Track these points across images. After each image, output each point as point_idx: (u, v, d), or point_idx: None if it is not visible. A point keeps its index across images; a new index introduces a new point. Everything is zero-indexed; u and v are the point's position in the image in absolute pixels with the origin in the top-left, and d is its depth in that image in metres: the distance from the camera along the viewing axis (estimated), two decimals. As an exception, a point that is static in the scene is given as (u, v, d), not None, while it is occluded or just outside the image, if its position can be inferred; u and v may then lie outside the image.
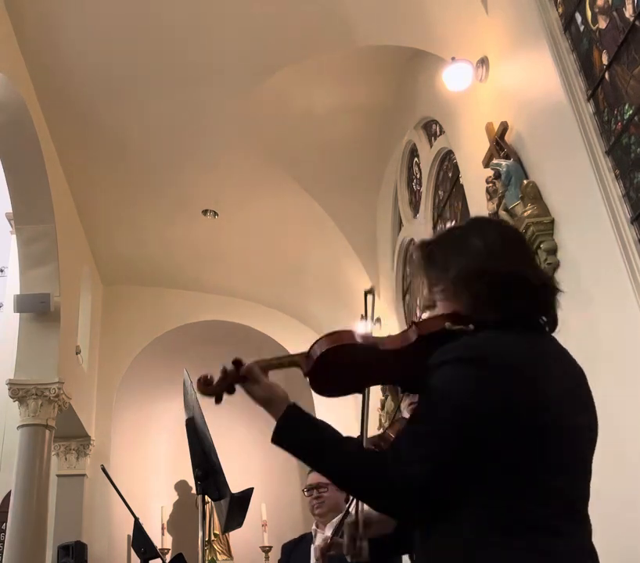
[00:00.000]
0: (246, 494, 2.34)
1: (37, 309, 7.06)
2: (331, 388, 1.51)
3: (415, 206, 7.22)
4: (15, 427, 6.99)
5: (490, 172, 4.63)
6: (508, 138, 4.59)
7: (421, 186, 6.91)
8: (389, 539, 1.99)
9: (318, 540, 3.10)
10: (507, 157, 4.52)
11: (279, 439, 1.44)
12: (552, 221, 4.05)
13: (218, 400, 1.51)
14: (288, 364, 1.52)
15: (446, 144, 6.10)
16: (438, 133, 6.44)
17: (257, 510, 8.88)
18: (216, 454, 2.20)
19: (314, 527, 3.27)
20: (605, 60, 3.77)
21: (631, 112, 3.54)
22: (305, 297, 9.50)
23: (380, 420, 7.18)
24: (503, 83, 4.75)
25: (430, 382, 1.37)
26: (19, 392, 6.93)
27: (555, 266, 3.95)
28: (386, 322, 7.51)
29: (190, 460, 2.19)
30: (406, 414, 2.70)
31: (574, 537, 1.33)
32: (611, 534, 2.55)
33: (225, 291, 9.89)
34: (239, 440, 9.49)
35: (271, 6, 5.85)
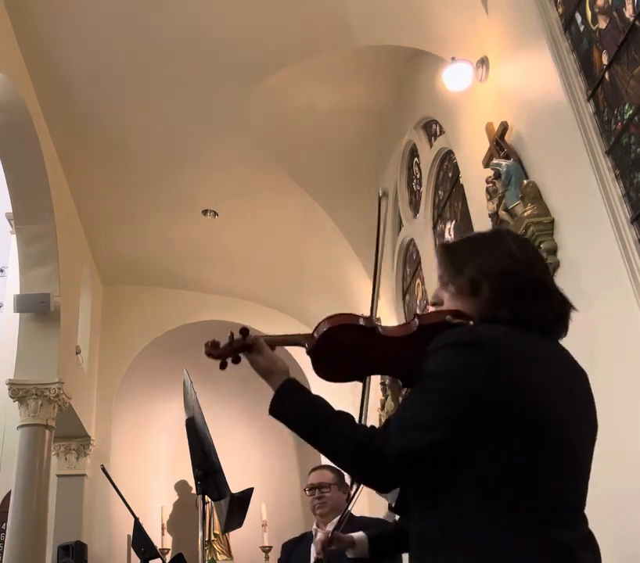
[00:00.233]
0: (246, 494, 2.34)
1: (37, 309, 7.06)
2: (331, 369, 1.55)
3: (415, 206, 7.22)
4: (15, 427, 6.98)
5: (490, 172, 4.63)
6: (508, 138, 4.59)
7: (421, 186, 6.91)
8: (389, 538, 2.00)
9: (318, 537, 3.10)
10: (507, 157, 4.52)
11: (275, 410, 1.48)
12: (552, 221, 4.05)
13: (223, 366, 1.53)
14: (293, 342, 1.58)
15: (446, 144, 6.10)
16: (438, 133, 6.44)
17: (257, 510, 8.88)
18: (216, 454, 2.20)
19: (314, 526, 3.27)
20: (605, 60, 3.77)
21: (631, 112, 3.54)
22: (305, 297, 9.49)
23: (380, 420, 7.17)
24: (503, 83, 4.75)
25: (427, 365, 1.40)
26: (19, 392, 6.93)
27: (555, 266, 3.95)
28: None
29: (190, 460, 2.19)
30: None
31: (579, 529, 1.34)
32: (610, 532, 2.55)
33: (225, 291, 9.89)
34: (239, 440, 9.50)
35: (271, 6, 5.85)
